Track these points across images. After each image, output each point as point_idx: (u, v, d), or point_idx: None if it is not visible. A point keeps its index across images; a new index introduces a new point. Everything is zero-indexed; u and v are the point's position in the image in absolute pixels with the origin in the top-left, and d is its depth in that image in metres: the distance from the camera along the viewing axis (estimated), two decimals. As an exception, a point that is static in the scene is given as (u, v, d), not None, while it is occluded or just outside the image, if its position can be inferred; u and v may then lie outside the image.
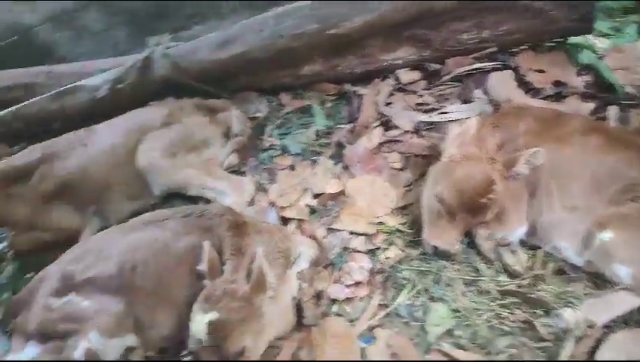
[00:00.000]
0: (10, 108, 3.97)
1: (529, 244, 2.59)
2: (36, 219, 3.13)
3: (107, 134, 3.23)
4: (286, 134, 3.53)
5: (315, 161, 3.25)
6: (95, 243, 2.55)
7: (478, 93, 3.32)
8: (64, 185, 3.12)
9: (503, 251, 2.55)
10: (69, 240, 3.10)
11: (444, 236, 2.50)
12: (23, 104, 3.93)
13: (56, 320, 2.35)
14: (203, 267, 2.20)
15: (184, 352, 2.39)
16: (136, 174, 3.17)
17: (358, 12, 3.28)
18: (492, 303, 2.38)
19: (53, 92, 3.87)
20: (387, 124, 3.31)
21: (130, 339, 2.38)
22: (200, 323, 1.98)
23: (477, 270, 2.53)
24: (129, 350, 2.40)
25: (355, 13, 3.29)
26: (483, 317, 2.33)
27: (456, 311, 2.36)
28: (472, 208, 2.41)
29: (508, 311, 2.35)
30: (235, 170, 3.36)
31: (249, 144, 3.48)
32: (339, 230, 2.79)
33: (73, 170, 3.12)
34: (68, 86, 3.85)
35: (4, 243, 3.30)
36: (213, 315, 1.97)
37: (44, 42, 4.58)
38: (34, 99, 3.92)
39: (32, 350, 2.41)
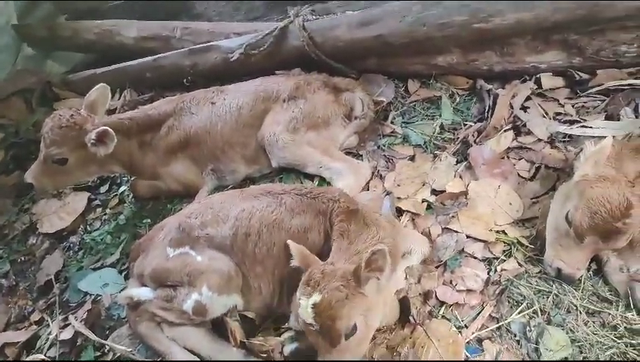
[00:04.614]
0: (145, 59, 4.21)
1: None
2: (159, 169, 3.29)
3: (235, 96, 3.31)
4: (409, 123, 3.48)
5: (436, 156, 3.17)
6: (214, 202, 2.63)
7: (627, 111, 3.05)
8: (188, 139, 3.25)
9: (636, 287, 2.34)
10: (184, 193, 3.32)
11: (569, 259, 2.37)
12: (158, 56, 4.14)
13: (170, 269, 2.48)
14: (296, 263, 2.21)
15: (284, 326, 2.47)
16: (257, 139, 3.25)
17: (514, 9, 3.10)
18: (619, 340, 2.21)
19: (187, 48, 4.04)
20: (520, 129, 3.19)
21: (237, 299, 2.47)
22: (306, 307, 1.98)
23: (603, 301, 2.37)
24: (234, 309, 2.49)
25: (509, 10, 3.11)
26: (607, 353, 2.18)
27: (575, 340, 2.24)
28: (604, 232, 2.25)
29: (636, 352, 2.17)
30: (353, 153, 3.36)
31: (370, 128, 3.47)
32: (455, 231, 2.72)
33: (199, 126, 3.24)
34: (202, 45, 4.00)
35: (125, 187, 3.56)
36: (316, 297, 1.97)
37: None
38: (169, 53, 4.12)
39: (147, 293, 2.54)
